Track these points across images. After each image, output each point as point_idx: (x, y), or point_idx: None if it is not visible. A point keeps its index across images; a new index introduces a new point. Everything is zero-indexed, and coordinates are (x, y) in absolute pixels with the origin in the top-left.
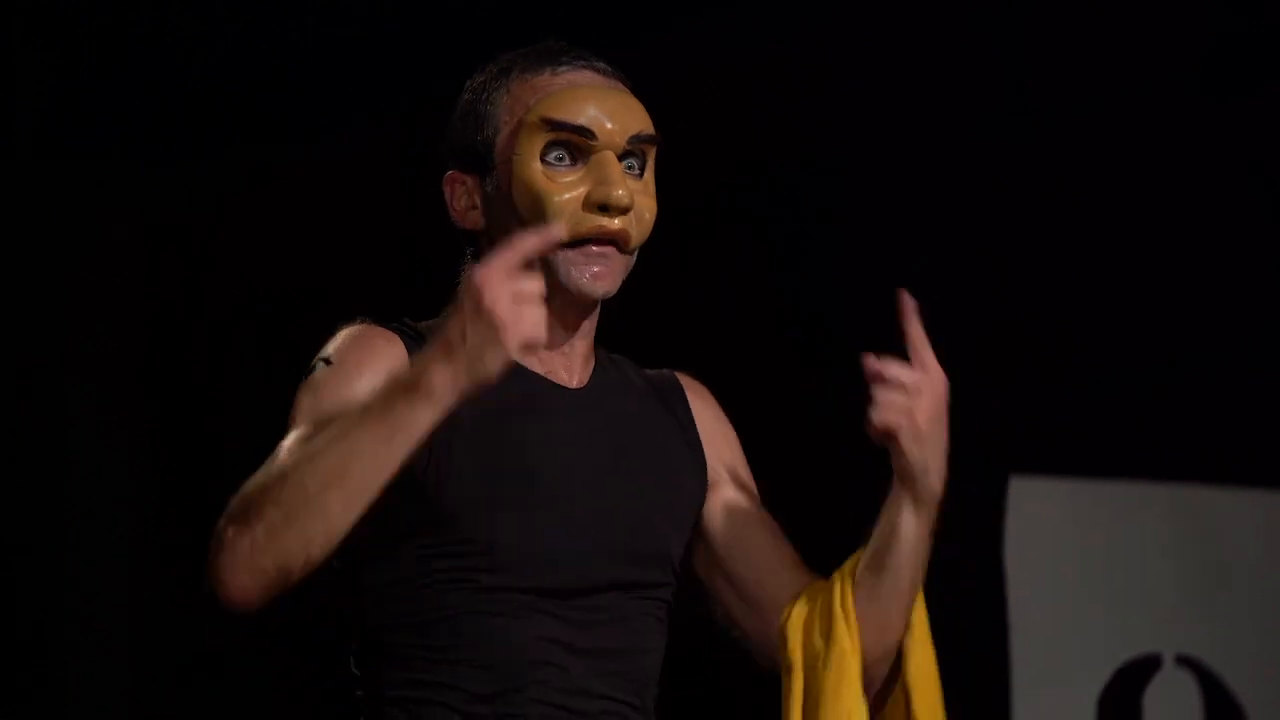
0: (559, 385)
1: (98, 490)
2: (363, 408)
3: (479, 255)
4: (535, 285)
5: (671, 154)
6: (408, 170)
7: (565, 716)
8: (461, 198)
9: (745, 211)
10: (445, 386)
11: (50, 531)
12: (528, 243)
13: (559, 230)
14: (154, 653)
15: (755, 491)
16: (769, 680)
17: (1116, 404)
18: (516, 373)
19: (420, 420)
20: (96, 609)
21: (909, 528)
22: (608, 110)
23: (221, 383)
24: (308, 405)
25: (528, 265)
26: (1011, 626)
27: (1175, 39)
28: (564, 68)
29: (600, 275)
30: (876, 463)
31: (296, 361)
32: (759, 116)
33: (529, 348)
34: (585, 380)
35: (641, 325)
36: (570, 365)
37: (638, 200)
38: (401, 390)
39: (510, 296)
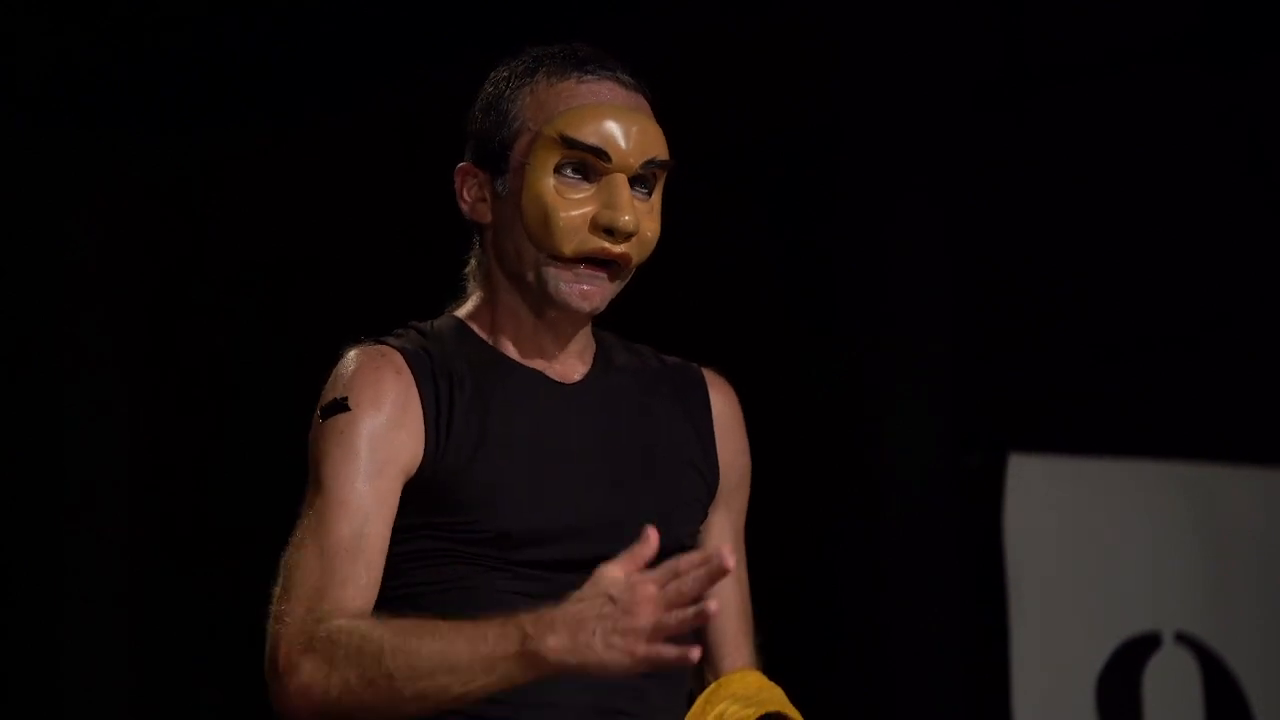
0: (554, 380)
1: (97, 486)
2: (474, 640)
3: (485, 247)
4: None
5: (668, 119)
6: (406, 144)
7: (578, 688)
8: (472, 189)
9: (741, 177)
10: (558, 666)
11: (50, 528)
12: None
13: (695, 653)
14: (154, 653)
15: (742, 528)
16: None
17: (1115, 381)
18: (512, 369)
19: (518, 680)
20: (97, 601)
21: None
22: (625, 132)
23: (222, 363)
24: (339, 458)
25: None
26: (1010, 604)
27: (1174, 7)
28: (589, 77)
29: (589, 294)
30: (865, 426)
31: (296, 337)
32: (755, 83)
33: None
34: (584, 374)
35: (634, 291)
36: (566, 362)
37: (642, 223)
38: (515, 653)
39: (657, 628)
